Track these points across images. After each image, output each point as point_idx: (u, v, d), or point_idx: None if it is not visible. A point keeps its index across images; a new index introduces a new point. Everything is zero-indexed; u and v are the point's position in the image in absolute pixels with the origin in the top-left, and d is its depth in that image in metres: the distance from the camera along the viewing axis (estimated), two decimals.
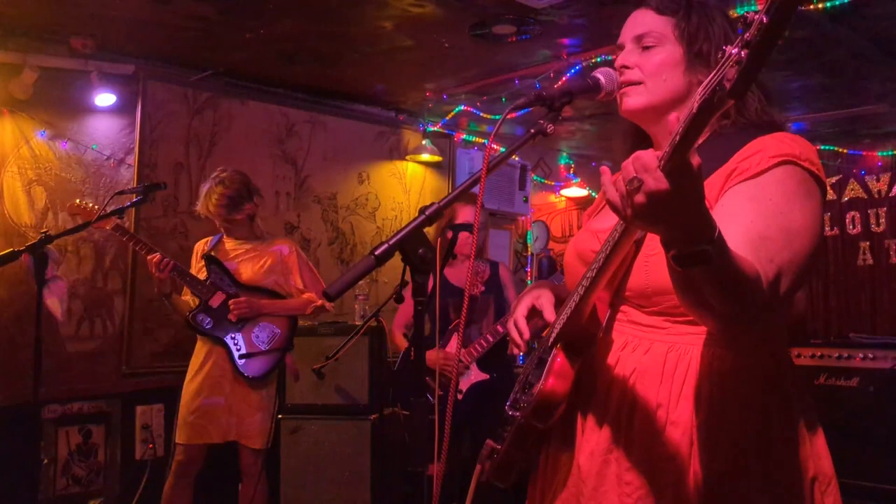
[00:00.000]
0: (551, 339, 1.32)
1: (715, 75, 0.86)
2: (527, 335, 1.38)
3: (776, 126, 1.28)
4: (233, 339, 3.34)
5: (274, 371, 3.40)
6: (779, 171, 1.18)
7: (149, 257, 3.23)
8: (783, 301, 1.13)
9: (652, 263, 1.24)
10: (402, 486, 3.64)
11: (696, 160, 0.91)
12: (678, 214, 0.94)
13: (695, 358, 1.22)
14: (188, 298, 3.46)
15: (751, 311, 1.08)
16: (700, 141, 1.33)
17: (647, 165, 0.92)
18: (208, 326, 3.33)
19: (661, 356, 1.25)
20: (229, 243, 3.48)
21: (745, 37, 0.82)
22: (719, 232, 0.97)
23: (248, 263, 3.44)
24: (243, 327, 3.36)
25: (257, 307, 3.36)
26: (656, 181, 0.91)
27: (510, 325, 1.43)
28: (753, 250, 1.08)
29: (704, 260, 0.96)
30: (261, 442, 3.34)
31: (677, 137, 0.90)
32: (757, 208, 1.14)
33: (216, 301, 3.34)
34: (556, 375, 1.27)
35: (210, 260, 3.40)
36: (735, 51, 0.83)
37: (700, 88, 0.88)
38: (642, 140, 1.43)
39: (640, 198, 0.93)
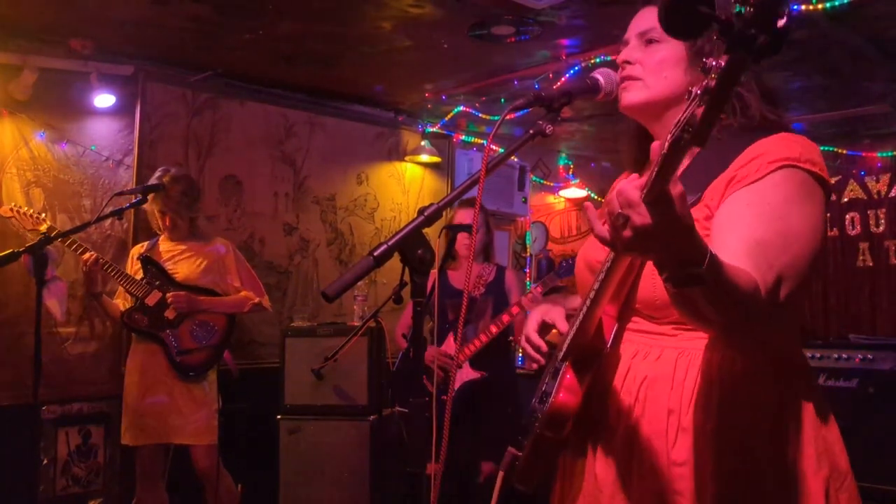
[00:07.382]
0: (562, 353, 1.33)
1: (684, 114, 0.87)
2: (544, 348, 1.42)
3: (778, 126, 1.26)
4: (170, 335, 3.34)
5: (212, 366, 3.40)
6: (778, 175, 1.17)
7: (83, 256, 3.22)
8: (785, 305, 1.12)
9: (658, 276, 1.24)
10: (401, 486, 3.64)
11: (676, 189, 0.92)
12: (666, 243, 0.95)
13: (704, 362, 1.23)
14: (119, 301, 3.47)
15: (746, 321, 1.09)
16: (696, 151, 1.33)
17: (630, 201, 0.93)
18: (145, 324, 3.34)
19: (672, 362, 1.26)
20: (164, 245, 3.48)
21: (704, 83, 0.85)
22: (711, 254, 0.98)
23: (185, 263, 3.45)
24: (180, 324, 3.36)
25: (196, 303, 3.37)
26: (641, 216, 0.92)
27: (523, 342, 1.46)
28: (752, 256, 1.08)
29: (697, 282, 0.98)
30: (210, 438, 3.33)
31: (655, 170, 0.90)
32: (755, 213, 1.14)
33: (152, 300, 3.34)
34: (567, 390, 1.30)
35: (146, 261, 3.41)
36: (698, 91, 0.86)
37: (671, 127, 0.89)
38: (647, 139, 1.42)
39: (627, 233, 0.94)
